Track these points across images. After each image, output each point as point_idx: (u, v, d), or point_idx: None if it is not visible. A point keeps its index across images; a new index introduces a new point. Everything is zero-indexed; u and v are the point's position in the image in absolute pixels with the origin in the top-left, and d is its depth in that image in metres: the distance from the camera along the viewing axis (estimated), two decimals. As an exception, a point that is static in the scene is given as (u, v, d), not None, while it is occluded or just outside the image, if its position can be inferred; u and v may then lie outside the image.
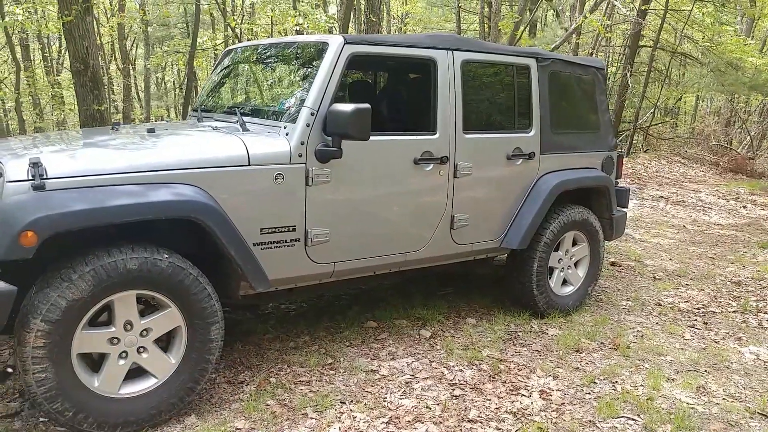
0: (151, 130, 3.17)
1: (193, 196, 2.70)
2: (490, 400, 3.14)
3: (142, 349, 2.67)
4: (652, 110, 17.68)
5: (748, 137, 17.32)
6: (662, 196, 10.47)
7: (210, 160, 2.86)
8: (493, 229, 3.97)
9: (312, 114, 3.11)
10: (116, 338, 2.62)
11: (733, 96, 18.03)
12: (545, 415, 3.00)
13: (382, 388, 3.20)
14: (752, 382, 3.50)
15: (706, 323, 4.46)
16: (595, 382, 3.39)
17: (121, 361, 2.64)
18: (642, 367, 3.61)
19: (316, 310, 4.26)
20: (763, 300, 5.06)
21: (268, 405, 2.98)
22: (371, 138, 3.25)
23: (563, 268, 4.35)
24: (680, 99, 20.36)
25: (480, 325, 4.12)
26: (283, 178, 3.04)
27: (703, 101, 23.66)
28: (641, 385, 3.38)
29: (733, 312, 4.74)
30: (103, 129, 4.05)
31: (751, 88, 13.90)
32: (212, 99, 4.08)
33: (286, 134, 3.10)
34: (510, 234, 4.01)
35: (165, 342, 2.78)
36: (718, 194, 11.39)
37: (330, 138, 3.11)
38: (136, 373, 2.69)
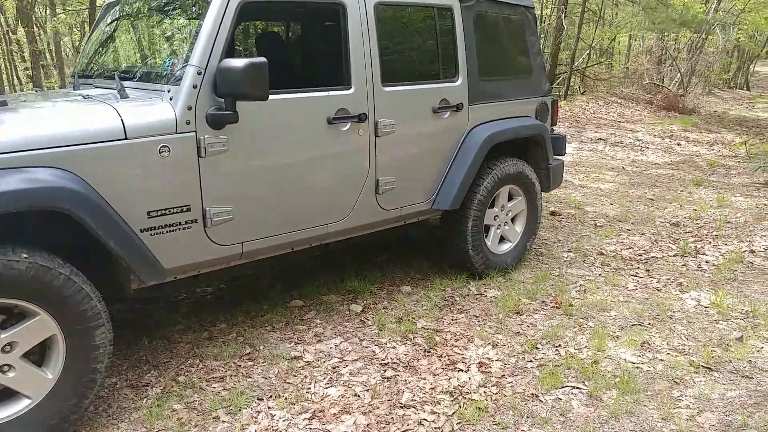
0: (2, 103, 2.65)
1: (52, 182, 2.25)
2: (424, 378, 2.87)
3: (6, 368, 2.25)
4: (587, 52, 17.62)
5: (679, 75, 17.52)
6: (601, 138, 10.41)
7: (75, 135, 2.40)
8: (422, 191, 3.65)
9: (199, 73, 2.66)
10: (-29, 359, 2.19)
11: (663, 34, 18.15)
12: (484, 392, 2.76)
13: (305, 377, 2.88)
14: (695, 331, 3.35)
15: (648, 270, 4.31)
16: (537, 348, 3.17)
17: (-19, 385, 2.22)
18: (586, 326, 3.42)
19: (235, 291, 3.88)
20: (701, 240, 4.97)
21: (174, 410, 2.62)
22: (275, 97, 2.87)
23: (500, 225, 4.10)
24: (614, 39, 20.38)
25: (415, 293, 3.84)
26: (169, 151, 2.60)
27: (635, 40, 23.82)
28: (585, 346, 3.18)
29: (674, 256, 4.62)
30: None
31: (681, 24, 13.93)
32: (93, 62, 3.54)
33: (170, 99, 2.65)
34: (441, 194, 3.70)
35: (39, 355, 2.36)
36: (653, 133, 11.43)
37: (223, 100, 2.68)
38: (2, 395, 2.27)
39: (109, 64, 3.41)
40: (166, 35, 3.16)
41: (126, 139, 2.50)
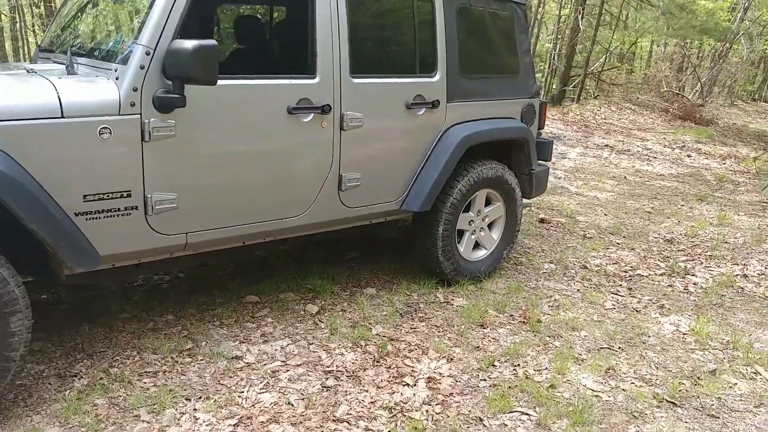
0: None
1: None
2: (367, 391, 2.70)
3: None
4: (605, 55, 17.26)
5: (699, 84, 17.11)
6: (608, 145, 10.14)
7: (4, 110, 2.25)
8: (391, 190, 3.46)
9: (148, 53, 2.49)
10: None
11: (686, 41, 17.71)
12: (427, 410, 2.59)
13: (242, 379, 2.73)
14: (667, 360, 3.15)
15: (631, 289, 4.11)
16: (494, 365, 2.99)
17: None
18: (551, 345, 3.23)
19: (194, 281, 3.73)
20: (693, 260, 4.75)
21: (94, 405, 2.48)
22: (230, 82, 2.72)
23: (475, 230, 3.90)
24: (634, 44, 19.97)
25: (379, 296, 3.67)
26: (110, 133, 2.44)
27: (658, 46, 23.32)
28: (546, 368, 2.99)
29: (661, 275, 4.41)
30: None
31: (701, 32, 13.55)
32: (57, 37, 3.39)
33: (117, 79, 2.49)
34: (411, 195, 3.51)
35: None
36: (664, 142, 11.14)
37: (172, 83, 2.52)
38: None
39: (69, 40, 3.26)
40: (121, 12, 2.99)
41: (62, 117, 2.35)
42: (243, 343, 3.03)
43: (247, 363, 2.86)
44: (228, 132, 2.76)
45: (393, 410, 2.57)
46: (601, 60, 16.35)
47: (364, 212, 3.37)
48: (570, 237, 5.15)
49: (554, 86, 16.29)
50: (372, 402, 2.62)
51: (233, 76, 2.77)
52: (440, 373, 2.88)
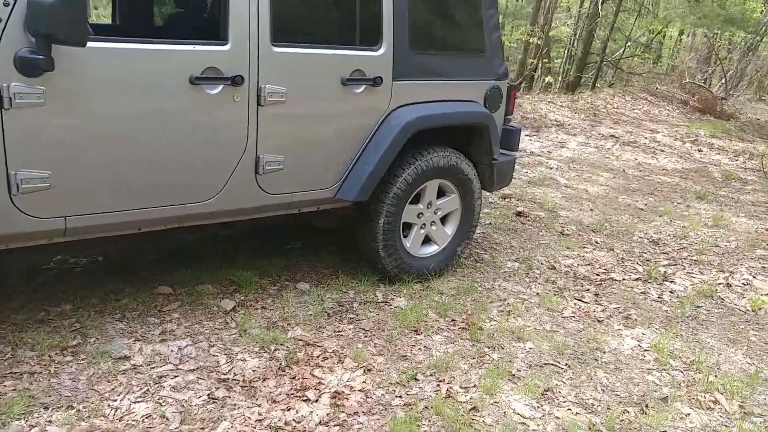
0: None
1: None
2: (259, 405, 2.37)
3: None
4: (625, 42, 16.57)
5: (724, 77, 16.36)
6: (613, 135, 9.63)
7: None
8: (323, 176, 3.10)
9: (6, 4, 2.15)
10: None
11: (713, 32, 16.92)
12: (320, 432, 2.25)
13: (120, 384, 2.41)
14: (617, 381, 2.77)
15: (598, 295, 3.72)
16: (416, 379, 2.64)
17: None
18: (488, 358, 2.87)
19: (112, 266, 3.42)
20: (675, 264, 4.33)
21: (-62, 411, 2.19)
22: (117, 46, 2.37)
23: (425, 224, 3.53)
24: (659, 33, 19.19)
25: (311, 292, 3.33)
26: None
27: (687, 36, 22.40)
28: (474, 385, 2.64)
29: (636, 280, 4.00)
30: None
31: (726, 22, 12.83)
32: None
33: (-29, 34, 2.16)
34: (347, 183, 3.15)
35: None
36: (675, 135, 10.58)
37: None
38: None
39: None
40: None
41: None
42: (138, 341, 2.71)
43: (134, 365, 2.54)
44: (115, 103, 2.41)
45: (280, 431, 2.24)
46: (623, 48, 15.66)
47: (288, 199, 3.01)
48: (545, 233, 4.75)
49: (570, 73, 15.72)
50: (259, 420, 2.29)
51: (123, 39, 2.41)
52: (351, 387, 2.54)
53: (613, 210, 5.63)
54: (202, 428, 2.22)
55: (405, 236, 3.47)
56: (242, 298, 3.16)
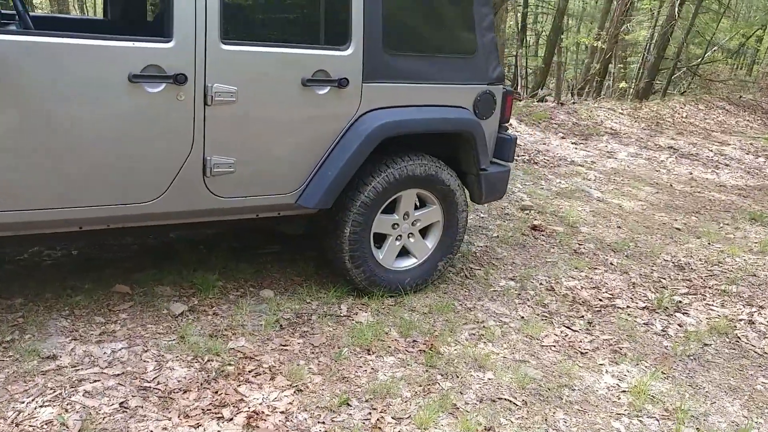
0: None
1: None
2: (168, 419, 2.26)
3: None
4: (706, 47, 15.55)
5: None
6: (672, 147, 8.98)
7: None
8: (283, 181, 2.95)
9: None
10: None
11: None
12: (218, 456, 2.11)
13: (35, 385, 2.36)
14: (576, 425, 2.46)
15: (591, 323, 3.38)
16: (348, 404, 2.45)
17: None
18: (436, 387, 2.63)
19: (82, 261, 3.42)
20: (695, 294, 3.90)
21: None
22: (50, 41, 2.33)
23: (401, 235, 3.32)
24: (750, 37, 17.86)
25: (272, 300, 3.19)
26: None
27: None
28: (409, 417, 2.42)
29: (642, 308, 3.62)
30: None
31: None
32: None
33: None
34: (309, 189, 2.99)
35: None
36: (749, 148, 9.76)
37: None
38: None
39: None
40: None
41: None
42: (75, 340, 2.67)
43: (59, 366, 2.49)
44: (49, 97, 2.36)
45: (176, 450, 2.12)
46: (707, 54, 14.67)
47: (242, 204, 2.89)
48: (557, 250, 4.41)
49: (642, 78, 14.88)
50: (159, 436, 2.17)
51: (58, 34, 2.36)
52: (273, 408, 2.38)
53: (644, 228, 5.18)
54: (100, 440, 2.13)
55: (378, 247, 3.28)
56: (196, 302, 3.07)
